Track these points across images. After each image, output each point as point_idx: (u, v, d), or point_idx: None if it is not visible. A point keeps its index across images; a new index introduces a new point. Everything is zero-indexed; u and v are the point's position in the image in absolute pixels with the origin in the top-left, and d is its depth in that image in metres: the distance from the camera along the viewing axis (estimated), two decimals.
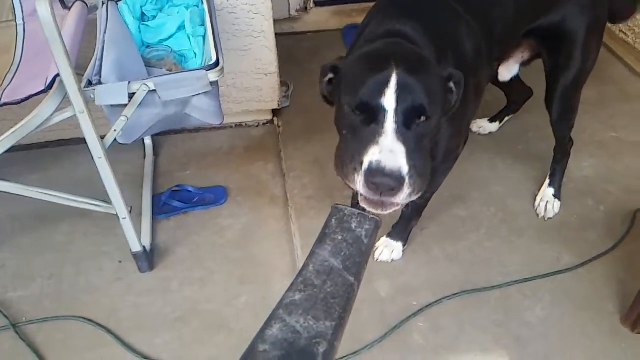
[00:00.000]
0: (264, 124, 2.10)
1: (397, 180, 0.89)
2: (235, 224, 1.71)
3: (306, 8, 2.60)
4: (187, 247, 1.64)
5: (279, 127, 2.06)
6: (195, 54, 1.45)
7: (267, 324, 0.63)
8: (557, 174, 1.72)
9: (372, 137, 0.93)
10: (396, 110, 0.93)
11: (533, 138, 1.98)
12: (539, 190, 1.75)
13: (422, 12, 1.16)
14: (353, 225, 0.76)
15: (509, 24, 1.31)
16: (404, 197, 0.92)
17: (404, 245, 1.58)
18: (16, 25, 1.49)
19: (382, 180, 0.90)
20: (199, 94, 1.26)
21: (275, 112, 2.10)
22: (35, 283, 1.56)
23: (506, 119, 1.99)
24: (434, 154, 1.27)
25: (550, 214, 1.69)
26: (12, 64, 1.38)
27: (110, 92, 1.19)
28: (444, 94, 1.04)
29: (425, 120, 0.96)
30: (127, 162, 1.89)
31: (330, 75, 1.09)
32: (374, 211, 0.96)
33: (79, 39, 1.34)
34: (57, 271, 1.59)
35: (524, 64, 1.57)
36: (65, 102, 1.21)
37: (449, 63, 1.14)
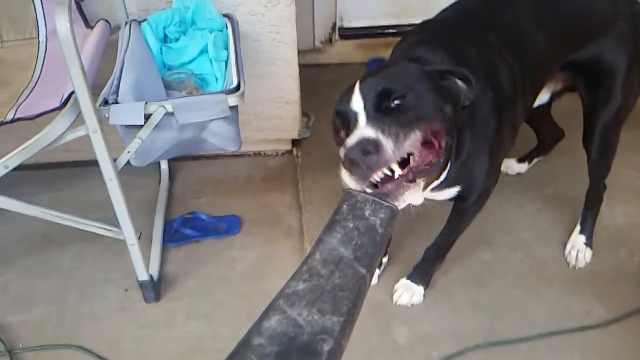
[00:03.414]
0: (282, 153, 2.04)
1: (368, 143, 0.83)
2: (248, 256, 1.64)
3: (331, 40, 2.57)
4: (195, 278, 1.57)
5: (297, 157, 2.01)
6: (216, 78, 1.41)
7: (265, 315, 0.55)
8: (588, 220, 1.63)
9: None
10: (365, 106, 0.92)
11: (563, 182, 1.89)
12: (569, 238, 1.66)
13: (451, 39, 1.11)
14: (366, 213, 0.69)
15: (542, 57, 1.25)
16: (390, 150, 0.84)
17: (425, 289, 1.49)
18: (38, 43, 1.48)
19: (354, 149, 0.83)
20: (217, 119, 1.21)
21: (294, 142, 2.05)
22: (37, 308, 1.50)
23: (535, 160, 1.90)
24: (468, 195, 1.20)
25: (581, 263, 1.59)
26: (30, 81, 1.35)
27: (125, 112, 1.15)
28: (426, 75, 0.98)
29: (400, 98, 0.91)
30: (142, 186, 1.85)
31: None
32: (396, 200, 0.86)
33: (98, 58, 1.31)
34: (60, 297, 1.53)
35: (555, 95, 1.49)
36: (80, 120, 1.17)
37: (487, 93, 1.08)
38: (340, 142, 0.96)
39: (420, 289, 1.49)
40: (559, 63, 1.32)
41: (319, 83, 2.41)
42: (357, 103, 0.93)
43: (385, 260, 1.58)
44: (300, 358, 0.51)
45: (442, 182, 1.09)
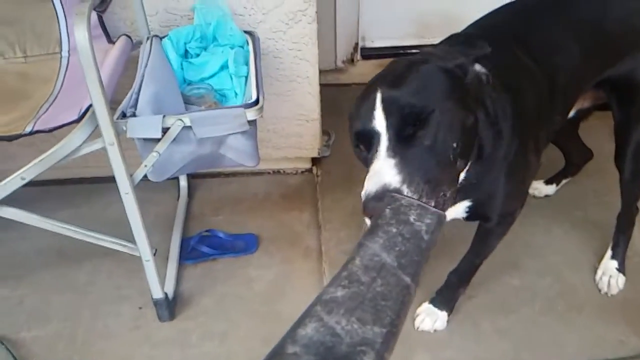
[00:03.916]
0: (302, 172, 2.01)
1: (388, 194, 0.77)
2: (265, 276, 1.60)
3: (352, 60, 2.56)
4: (211, 297, 1.53)
5: (317, 176, 1.98)
6: (236, 93, 1.40)
7: (300, 322, 0.51)
8: (620, 245, 1.56)
9: (369, 166, 0.85)
10: (387, 127, 0.85)
11: (592, 204, 1.81)
12: (600, 263, 1.58)
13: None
14: (411, 218, 0.65)
15: (574, 73, 1.20)
16: None
17: (448, 315, 1.43)
18: (60, 58, 1.49)
19: (371, 205, 0.78)
20: (235, 133, 1.19)
21: (314, 161, 2.02)
22: (50, 324, 1.48)
23: (564, 181, 1.84)
24: (488, 215, 1.14)
25: (613, 290, 1.52)
26: (50, 94, 1.36)
27: (143, 125, 1.13)
28: (452, 80, 0.91)
29: (426, 120, 0.85)
30: (160, 203, 1.83)
31: None
32: None
33: (118, 72, 1.31)
34: (74, 313, 1.51)
35: (582, 112, 1.45)
36: (98, 134, 1.16)
37: (508, 110, 1.04)
38: (360, 154, 0.93)
39: (443, 315, 1.43)
40: (593, 80, 1.27)
41: (340, 102, 2.38)
42: (379, 121, 0.86)
43: None
44: None
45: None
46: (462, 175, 0.97)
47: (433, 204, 0.81)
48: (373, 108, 0.87)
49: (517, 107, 1.06)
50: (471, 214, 1.14)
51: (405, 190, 0.78)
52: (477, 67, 0.94)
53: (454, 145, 0.87)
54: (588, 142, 1.76)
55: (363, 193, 0.82)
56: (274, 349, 0.48)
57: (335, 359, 0.48)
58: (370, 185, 0.80)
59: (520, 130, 1.07)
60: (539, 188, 1.83)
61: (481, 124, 0.97)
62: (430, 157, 0.84)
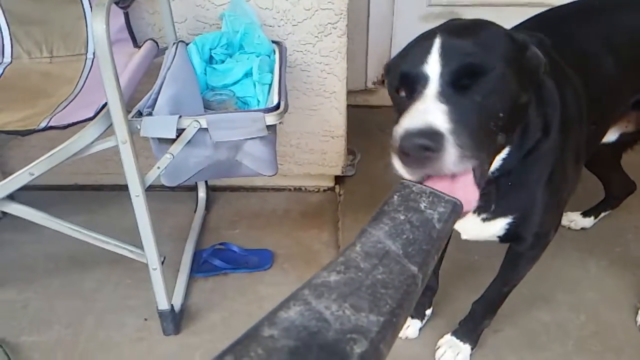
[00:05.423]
0: (324, 190, 1.95)
1: (429, 137, 0.68)
2: (277, 294, 1.51)
3: (383, 82, 2.51)
4: (219, 312, 1.46)
5: (340, 195, 1.91)
6: (258, 101, 1.35)
7: (283, 305, 0.46)
8: None
9: (406, 109, 0.75)
10: (441, 74, 0.75)
11: (633, 241, 1.69)
12: None
13: None
14: (422, 205, 0.59)
15: (609, 84, 1.12)
16: (452, 158, 0.69)
17: (472, 348, 1.32)
18: (85, 59, 1.47)
19: (411, 142, 0.68)
20: (253, 139, 1.14)
21: (338, 180, 1.95)
22: (52, 330, 1.42)
23: (603, 214, 1.72)
24: (523, 234, 1.05)
25: None
26: (71, 94, 1.33)
27: (157, 125, 1.09)
28: (516, 47, 0.83)
29: (484, 75, 0.76)
30: (177, 214, 1.78)
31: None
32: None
33: (140, 74, 1.28)
34: (77, 320, 1.45)
35: (625, 136, 1.35)
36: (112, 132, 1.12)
37: (558, 107, 0.96)
38: (397, 99, 0.82)
39: (466, 348, 1.32)
40: (632, 95, 1.18)
41: (369, 124, 2.34)
42: (433, 66, 0.76)
43: (429, 312, 1.42)
44: (322, 357, 0.41)
45: (490, 207, 0.96)
46: (497, 161, 0.89)
47: (471, 166, 0.72)
48: (428, 52, 0.78)
49: (564, 108, 0.98)
50: (508, 234, 1.05)
51: (450, 138, 0.69)
52: (537, 50, 0.86)
53: (501, 114, 0.78)
54: (631, 174, 1.65)
55: (398, 130, 0.72)
56: (248, 331, 0.42)
57: (319, 345, 0.42)
58: (411, 121, 0.71)
59: (565, 134, 0.99)
60: (576, 220, 1.71)
61: (531, 109, 0.89)
62: (478, 117, 0.75)
